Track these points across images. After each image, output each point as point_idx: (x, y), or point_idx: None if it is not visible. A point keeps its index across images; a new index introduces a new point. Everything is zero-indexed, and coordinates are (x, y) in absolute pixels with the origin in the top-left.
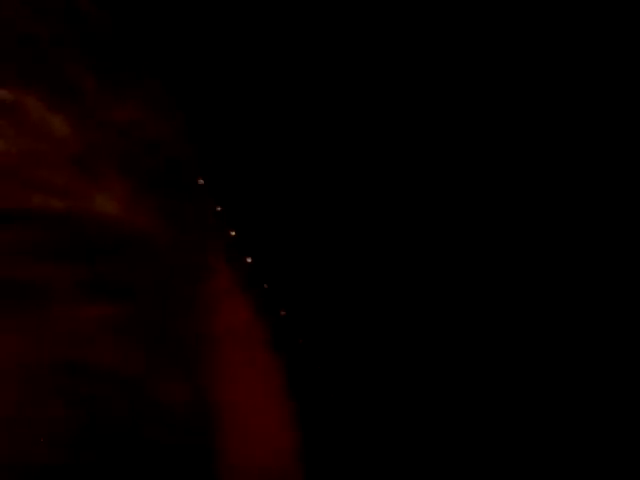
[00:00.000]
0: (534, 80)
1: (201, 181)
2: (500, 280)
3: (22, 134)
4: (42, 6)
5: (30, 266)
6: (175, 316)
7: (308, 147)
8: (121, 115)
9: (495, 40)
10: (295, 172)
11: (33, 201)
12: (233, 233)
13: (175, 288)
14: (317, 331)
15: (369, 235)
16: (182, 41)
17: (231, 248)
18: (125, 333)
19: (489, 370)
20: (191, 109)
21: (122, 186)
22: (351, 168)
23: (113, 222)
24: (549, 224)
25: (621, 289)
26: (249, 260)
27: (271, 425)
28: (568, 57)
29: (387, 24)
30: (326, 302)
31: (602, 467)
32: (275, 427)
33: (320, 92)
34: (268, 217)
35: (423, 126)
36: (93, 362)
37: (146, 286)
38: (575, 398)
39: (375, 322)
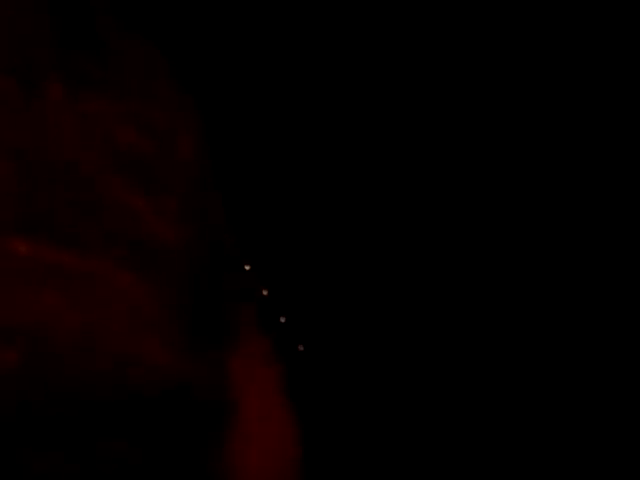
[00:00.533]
0: (534, 80)
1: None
2: (500, 280)
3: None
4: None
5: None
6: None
7: (301, 144)
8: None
9: (495, 40)
10: (292, 172)
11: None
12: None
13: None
14: (316, 336)
15: (369, 241)
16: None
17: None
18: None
19: (489, 370)
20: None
21: (145, 186)
22: (350, 175)
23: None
24: (549, 224)
25: (621, 289)
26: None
27: (273, 429)
28: (568, 57)
29: (387, 24)
30: (326, 309)
31: (602, 467)
32: (276, 431)
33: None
34: (266, 223)
35: (423, 126)
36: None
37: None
38: (575, 398)
39: (375, 327)
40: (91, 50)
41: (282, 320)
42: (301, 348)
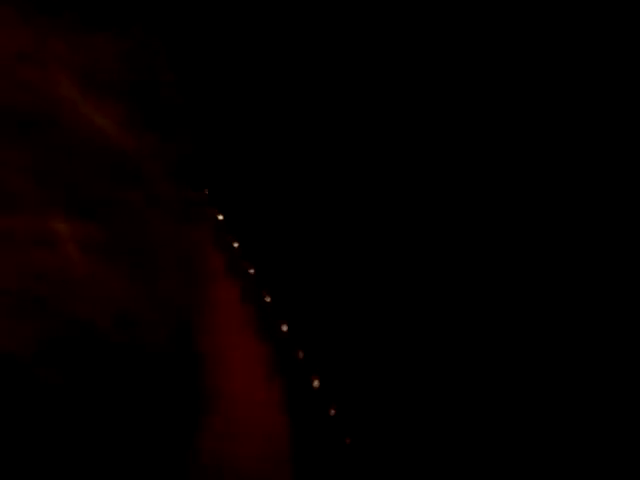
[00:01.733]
0: (534, 80)
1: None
2: (500, 280)
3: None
4: None
5: (10, 174)
6: (162, 251)
7: (302, 146)
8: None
9: (495, 40)
10: (293, 172)
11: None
12: (221, 217)
13: (161, 224)
14: (304, 319)
15: (367, 236)
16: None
17: (220, 231)
18: (102, 253)
19: (489, 370)
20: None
21: (119, 110)
22: (347, 169)
23: (108, 139)
24: (549, 224)
25: (621, 289)
26: (237, 244)
27: (259, 409)
28: (568, 57)
29: (387, 24)
30: (315, 291)
31: (602, 467)
32: (263, 411)
33: (321, 98)
34: (262, 210)
35: (423, 127)
36: (57, 268)
37: (130, 210)
38: (575, 398)
39: (372, 320)
40: None
41: (251, 270)
42: (285, 328)
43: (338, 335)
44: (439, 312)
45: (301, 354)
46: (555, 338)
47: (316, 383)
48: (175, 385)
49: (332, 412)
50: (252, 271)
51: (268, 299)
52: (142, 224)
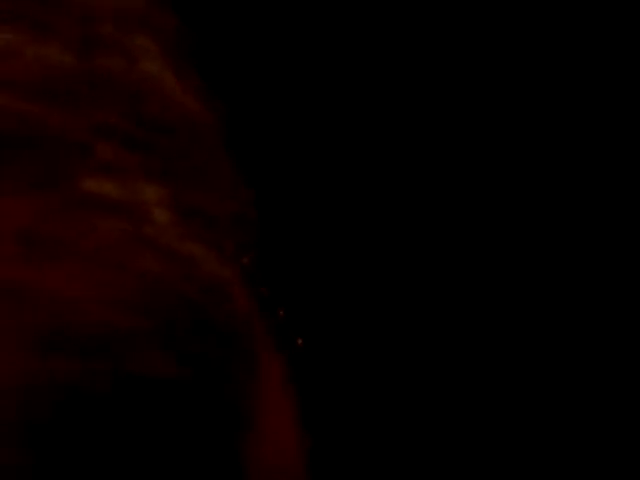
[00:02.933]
0: (534, 80)
1: None
2: (500, 280)
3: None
4: None
5: (98, 143)
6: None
7: (305, 141)
8: None
9: (495, 40)
10: (296, 167)
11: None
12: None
13: (228, 187)
14: (318, 330)
15: (370, 238)
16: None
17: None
18: (182, 215)
19: (489, 371)
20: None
21: (197, 83)
22: (350, 172)
23: (188, 113)
24: (549, 224)
25: (621, 289)
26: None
27: (277, 422)
28: (568, 57)
29: (387, 24)
30: (327, 301)
31: (602, 467)
32: (280, 424)
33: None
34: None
35: (424, 127)
36: (152, 238)
37: (201, 176)
38: (575, 398)
39: (376, 322)
40: None
41: (298, 341)
42: (300, 342)
43: (349, 344)
44: (440, 309)
45: (315, 366)
46: (555, 338)
47: (331, 395)
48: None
49: (348, 425)
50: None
51: (282, 312)
52: (218, 199)
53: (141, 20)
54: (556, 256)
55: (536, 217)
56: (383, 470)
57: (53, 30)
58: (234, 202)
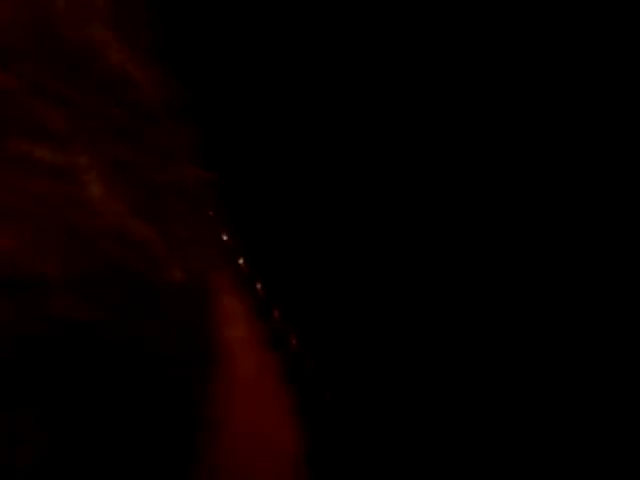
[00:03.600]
0: (534, 80)
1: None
2: (500, 280)
3: None
4: None
5: (40, 106)
6: (178, 201)
7: (306, 154)
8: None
9: (495, 40)
10: (292, 171)
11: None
12: (225, 237)
13: (170, 154)
14: (313, 332)
15: (374, 247)
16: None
17: (230, 252)
18: (122, 189)
19: (489, 372)
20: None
21: (143, 52)
22: (350, 174)
23: (128, 81)
24: (549, 224)
25: (621, 289)
26: (242, 261)
27: (271, 423)
28: (568, 57)
29: (387, 24)
30: (322, 302)
31: (602, 467)
32: (276, 425)
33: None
34: (269, 224)
35: (423, 128)
36: (84, 199)
37: (140, 142)
38: (575, 398)
39: (374, 324)
40: None
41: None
42: (295, 341)
43: (347, 344)
44: (440, 316)
45: (311, 365)
46: (555, 338)
47: (328, 395)
48: (182, 389)
49: (344, 423)
50: (259, 286)
51: (276, 311)
52: (157, 167)
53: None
54: (556, 256)
55: (536, 217)
56: (382, 471)
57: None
58: (173, 168)
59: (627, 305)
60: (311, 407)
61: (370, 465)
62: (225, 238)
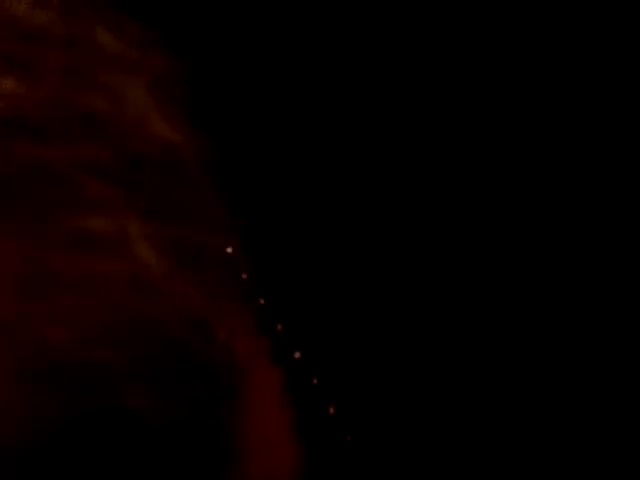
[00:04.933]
0: (534, 80)
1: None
2: (500, 280)
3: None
4: None
5: (85, 180)
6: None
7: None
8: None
9: (495, 40)
10: (295, 184)
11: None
12: (230, 250)
13: (212, 221)
14: (314, 344)
15: (375, 260)
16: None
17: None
18: (174, 255)
19: (490, 375)
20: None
21: (181, 119)
22: (349, 179)
23: (171, 149)
24: (549, 224)
25: (621, 289)
26: (245, 276)
27: (272, 437)
28: (568, 57)
29: (387, 24)
30: (324, 316)
31: (602, 467)
32: (276, 440)
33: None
34: (273, 238)
35: (424, 128)
36: (137, 276)
37: (184, 210)
38: (575, 398)
39: (383, 343)
40: None
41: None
42: (298, 355)
43: (351, 359)
44: (440, 321)
45: (315, 381)
46: (555, 338)
47: (332, 410)
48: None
49: (347, 438)
50: (263, 301)
51: (280, 327)
52: (203, 237)
53: (131, 62)
54: (556, 256)
55: (536, 217)
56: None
57: (41, 72)
58: (218, 234)
59: (627, 305)
60: (313, 422)
61: (369, 472)
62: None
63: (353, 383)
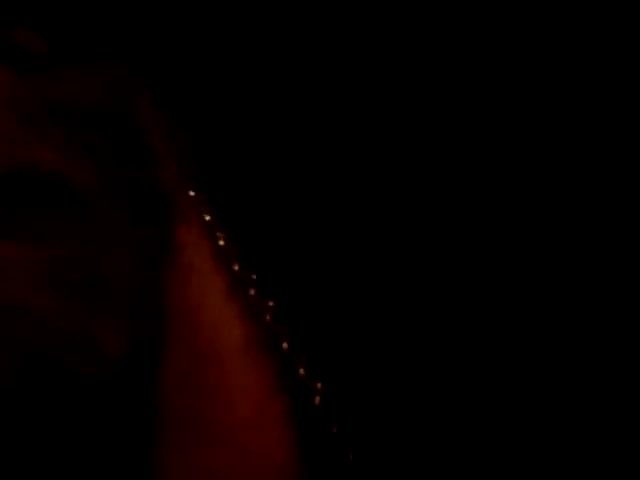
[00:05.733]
0: (534, 80)
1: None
2: (500, 280)
3: None
4: None
5: None
6: (116, 271)
7: (303, 150)
8: (72, 81)
9: (495, 40)
10: (291, 173)
11: None
12: (208, 217)
13: (108, 241)
14: (306, 331)
15: (371, 247)
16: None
17: (208, 227)
18: (49, 276)
19: (490, 376)
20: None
21: (61, 140)
22: (348, 174)
23: (49, 171)
24: (549, 224)
25: (621, 289)
26: (222, 242)
27: (263, 430)
28: (568, 57)
29: (387, 24)
30: (314, 302)
31: (602, 467)
32: (267, 432)
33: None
34: (262, 225)
35: (423, 127)
36: (13, 301)
37: (75, 233)
38: (575, 398)
39: (375, 333)
40: None
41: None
42: (286, 346)
43: (340, 352)
44: (441, 317)
45: (303, 371)
46: (555, 338)
47: (318, 401)
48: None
49: (335, 429)
50: (253, 292)
51: (269, 317)
52: (92, 250)
53: None
54: (556, 256)
55: (536, 217)
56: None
57: None
58: (114, 256)
59: (627, 305)
60: (304, 417)
61: (362, 476)
62: (221, 242)
63: (343, 375)
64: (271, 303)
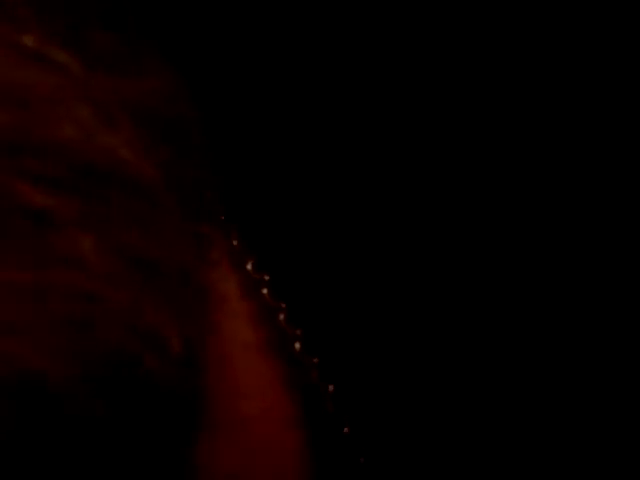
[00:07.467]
0: (534, 80)
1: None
2: (500, 280)
3: (45, 71)
4: None
5: (36, 194)
6: (170, 263)
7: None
8: (137, 77)
9: (495, 40)
10: (300, 178)
11: (47, 132)
12: (235, 242)
13: (172, 236)
14: (316, 326)
15: (380, 251)
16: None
17: (235, 254)
18: (118, 262)
19: (490, 376)
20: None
21: (133, 134)
22: (351, 177)
23: (122, 163)
24: (549, 224)
25: (621, 289)
26: (240, 245)
27: (274, 427)
28: (568, 57)
29: (387, 24)
30: (325, 295)
31: (602, 467)
32: (278, 429)
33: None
34: (272, 217)
35: (423, 127)
36: (87, 287)
37: (141, 224)
38: (575, 398)
39: (386, 334)
40: None
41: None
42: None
43: (352, 351)
44: (443, 316)
45: (315, 372)
46: (555, 338)
47: (330, 402)
48: (179, 407)
49: (346, 429)
50: (265, 291)
51: (282, 317)
52: (158, 247)
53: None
54: (556, 256)
55: (536, 217)
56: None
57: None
58: (177, 251)
59: (627, 305)
60: (316, 419)
61: (373, 477)
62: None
63: (356, 377)
64: (284, 305)
